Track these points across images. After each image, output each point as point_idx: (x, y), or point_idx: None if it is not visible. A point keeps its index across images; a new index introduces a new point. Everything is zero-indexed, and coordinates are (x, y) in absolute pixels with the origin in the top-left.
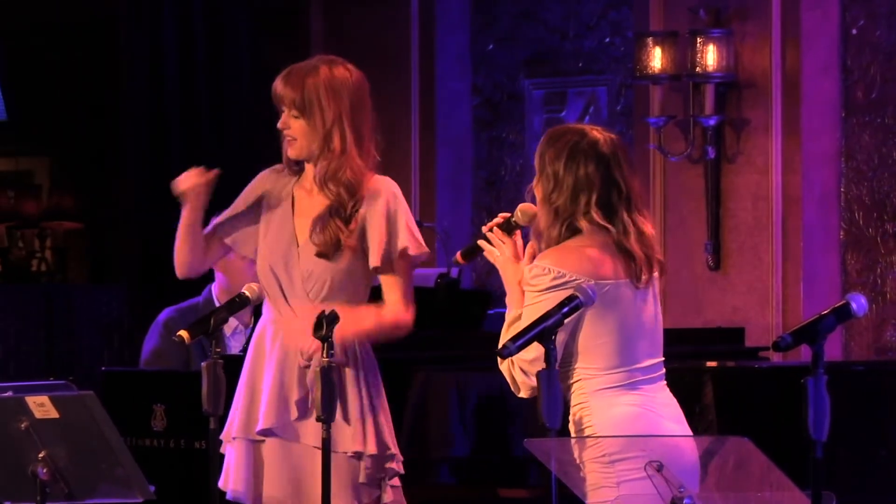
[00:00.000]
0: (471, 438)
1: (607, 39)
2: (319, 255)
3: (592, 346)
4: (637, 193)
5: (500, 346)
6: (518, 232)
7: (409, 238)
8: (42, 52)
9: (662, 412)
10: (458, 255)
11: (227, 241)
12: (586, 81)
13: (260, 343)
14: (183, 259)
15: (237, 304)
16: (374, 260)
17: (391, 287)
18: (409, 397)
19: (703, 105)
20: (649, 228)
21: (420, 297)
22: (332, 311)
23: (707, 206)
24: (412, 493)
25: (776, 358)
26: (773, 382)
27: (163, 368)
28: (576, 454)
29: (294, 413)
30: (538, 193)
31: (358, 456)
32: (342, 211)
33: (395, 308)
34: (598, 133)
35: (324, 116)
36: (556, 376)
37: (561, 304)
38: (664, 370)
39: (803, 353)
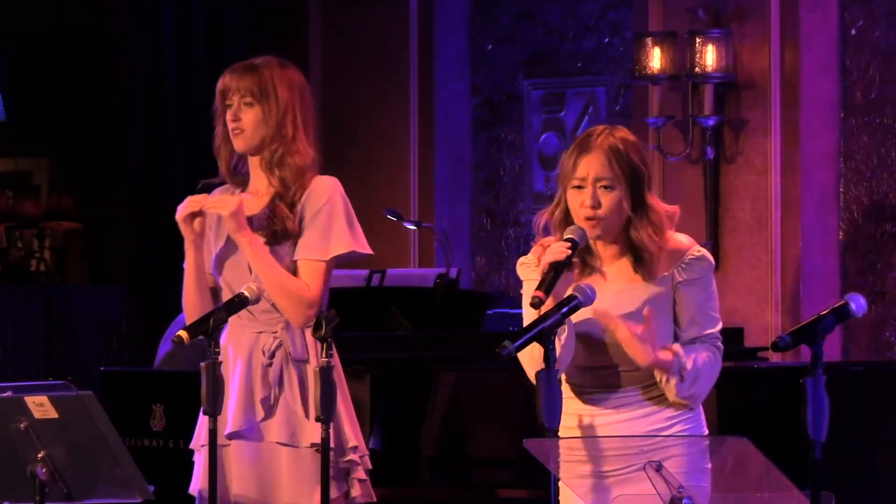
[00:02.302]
0: (470, 438)
1: (606, 40)
2: (270, 243)
3: None
4: None
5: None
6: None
7: (344, 239)
8: (41, 52)
9: None
10: (539, 294)
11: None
12: (585, 82)
13: (224, 352)
14: (195, 308)
15: (236, 304)
16: (298, 252)
17: (304, 270)
18: (408, 397)
19: (702, 105)
20: None
21: (419, 297)
22: (332, 311)
23: (706, 206)
24: (411, 493)
25: (775, 358)
26: (772, 383)
27: (162, 369)
28: (610, 453)
29: (260, 413)
30: (613, 196)
31: (318, 448)
32: (286, 196)
33: (300, 281)
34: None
35: (279, 102)
36: (555, 376)
37: (560, 305)
38: None
39: (802, 354)
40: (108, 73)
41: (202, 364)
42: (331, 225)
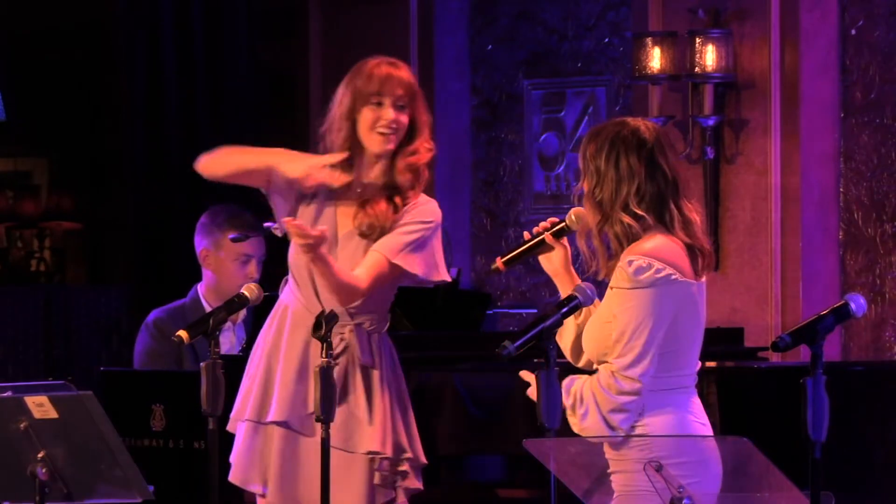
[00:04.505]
0: (469, 438)
1: (606, 40)
2: (361, 235)
3: (666, 351)
4: (683, 180)
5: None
6: (566, 239)
7: (419, 264)
8: (41, 52)
9: (702, 417)
10: (498, 262)
11: (274, 191)
12: (585, 82)
13: (279, 330)
14: (218, 173)
15: (236, 304)
16: (378, 244)
17: (366, 264)
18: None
19: (701, 105)
20: (696, 216)
21: (420, 297)
22: (332, 311)
23: (706, 206)
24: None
25: (775, 358)
26: (772, 383)
27: (161, 369)
28: (610, 454)
29: (311, 407)
30: (585, 191)
31: (374, 456)
32: (395, 197)
33: (356, 274)
34: (639, 122)
35: (425, 110)
36: (555, 376)
37: (560, 304)
38: None
39: (802, 354)
40: (108, 73)
41: (202, 364)
42: (416, 241)
